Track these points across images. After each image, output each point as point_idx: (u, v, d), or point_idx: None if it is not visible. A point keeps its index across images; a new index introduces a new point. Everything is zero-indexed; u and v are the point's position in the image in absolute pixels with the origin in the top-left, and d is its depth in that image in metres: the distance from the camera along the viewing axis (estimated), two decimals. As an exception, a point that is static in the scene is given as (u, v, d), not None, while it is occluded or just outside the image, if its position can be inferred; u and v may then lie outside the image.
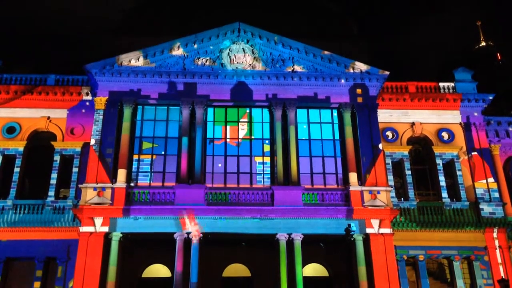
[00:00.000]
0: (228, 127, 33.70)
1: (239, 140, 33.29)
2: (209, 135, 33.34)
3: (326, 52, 34.32)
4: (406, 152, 35.14)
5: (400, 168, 35.15)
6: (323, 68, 34.33)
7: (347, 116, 33.32)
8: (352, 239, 29.77)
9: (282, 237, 29.96)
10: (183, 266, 29.13)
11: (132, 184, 31.13)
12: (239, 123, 33.76)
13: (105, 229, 29.40)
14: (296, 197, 30.65)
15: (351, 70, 34.21)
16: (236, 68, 34.08)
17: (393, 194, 33.35)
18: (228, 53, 34.41)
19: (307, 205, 30.60)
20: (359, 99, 33.65)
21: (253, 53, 34.54)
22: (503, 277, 31.24)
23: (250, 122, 33.90)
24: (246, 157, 32.83)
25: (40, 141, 34.43)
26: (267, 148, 33.16)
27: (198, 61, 34.23)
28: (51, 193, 32.60)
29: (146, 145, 32.96)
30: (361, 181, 31.36)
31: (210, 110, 33.89)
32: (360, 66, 34.14)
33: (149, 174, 32.12)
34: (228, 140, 33.29)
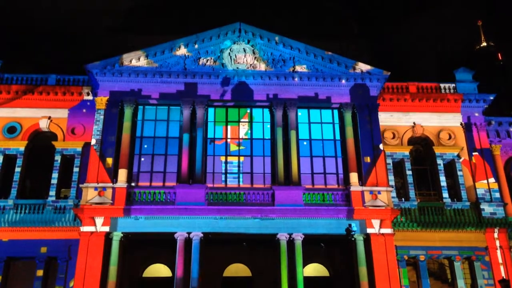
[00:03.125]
0: (229, 127, 33.68)
1: (240, 140, 33.30)
2: (210, 135, 33.35)
3: (327, 52, 34.30)
4: (406, 152, 35.14)
5: (401, 168, 35.16)
6: (324, 68, 34.32)
7: (348, 116, 33.31)
8: (353, 239, 29.72)
9: (283, 237, 29.96)
10: (184, 266, 29.13)
11: (133, 184, 31.15)
12: (240, 123, 33.80)
13: (106, 228, 29.40)
14: (297, 197, 30.66)
15: (352, 70, 34.20)
16: (237, 68, 34.08)
17: (394, 194, 33.36)
18: (229, 53, 34.41)
19: (307, 205, 30.60)
20: (360, 99, 33.63)
21: (254, 53, 34.53)
22: (504, 277, 31.23)
23: (250, 122, 33.90)
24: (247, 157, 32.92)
25: (41, 141, 34.45)
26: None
27: (199, 61, 34.23)
28: (52, 192, 32.63)
29: (147, 145, 32.94)
30: (362, 181, 31.35)
31: (210, 110, 33.90)
32: (361, 67, 34.13)
33: (150, 174, 32.12)
34: (229, 140, 33.28)
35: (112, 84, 33.26)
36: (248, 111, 33.83)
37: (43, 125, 34.56)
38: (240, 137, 33.40)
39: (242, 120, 33.81)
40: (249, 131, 33.57)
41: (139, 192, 30.61)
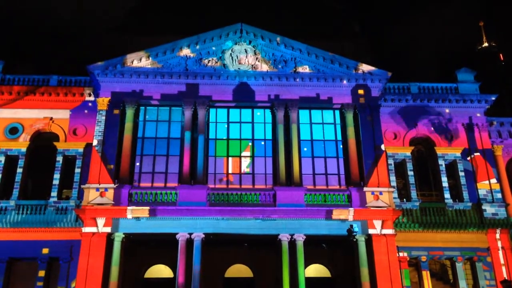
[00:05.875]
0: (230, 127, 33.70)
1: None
2: (211, 135, 33.35)
3: (328, 53, 34.28)
4: (408, 153, 35.11)
5: (402, 169, 35.12)
6: (325, 69, 34.30)
7: (349, 117, 33.29)
8: (355, 240, 29.74)
9: (284, 238, 29.95)
10: (185, 267, 29.14)
11: (134, 185, 31.14)
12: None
13: (108, 229, 29.41)
14: (298, 198, 30.65)
15: (354, 71, 34.18)
16: (239, 69, 34.08)
17: (396, 195, 33.32)
18: (231, 54, 34.42)
19: (309, 205, 30.59)
20: (362, 100, 33.62)
21: (255, 54, 34.54)
22: (506, 278, 31.20)
23: (252, 122, 33.92)
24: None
25: (43, 142, 34.47)
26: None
27: (200, 61, 34.25)
28: (54, 193, 32.65)
29: (148, 145, 32.95)
30: (364, 182, 31.35)
31: (212, 111, 33.91)
32: (363, 67, 34.09)
33: (151, 174, 32.13)
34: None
35: (113, 85, 33.28)
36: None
37: (45, 126, 34.59)
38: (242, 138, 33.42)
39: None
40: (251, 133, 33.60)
41: (141, 192, 30.62)
